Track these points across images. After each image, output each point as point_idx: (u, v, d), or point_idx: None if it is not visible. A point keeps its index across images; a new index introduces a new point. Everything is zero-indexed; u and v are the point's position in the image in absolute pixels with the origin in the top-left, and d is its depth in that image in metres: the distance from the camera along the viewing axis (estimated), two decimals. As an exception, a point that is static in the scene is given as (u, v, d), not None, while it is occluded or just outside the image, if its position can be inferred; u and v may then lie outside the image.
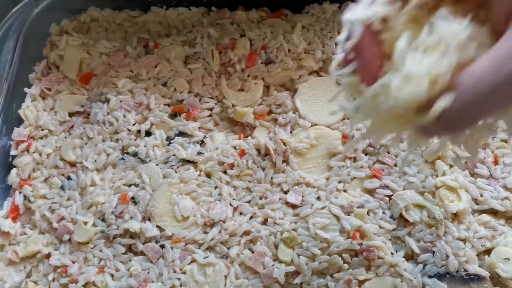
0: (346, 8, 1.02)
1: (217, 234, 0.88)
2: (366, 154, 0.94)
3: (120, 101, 1.01)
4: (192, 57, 1.06)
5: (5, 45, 1.02)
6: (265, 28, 1.08)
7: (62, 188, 0.95)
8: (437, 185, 0.88)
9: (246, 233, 0.88)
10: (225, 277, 0.85)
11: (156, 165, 0.95)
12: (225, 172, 0.93)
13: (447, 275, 0.81)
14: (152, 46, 1.08)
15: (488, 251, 0.84)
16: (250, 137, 0.97)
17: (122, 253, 0.88)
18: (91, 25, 1.12)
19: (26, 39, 1.05)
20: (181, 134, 0.98)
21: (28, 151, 0.99)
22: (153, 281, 0.86)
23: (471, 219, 0.86)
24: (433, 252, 0.83)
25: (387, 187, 0.89)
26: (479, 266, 0.82)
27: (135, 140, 0.98)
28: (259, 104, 1.01)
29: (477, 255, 0.83)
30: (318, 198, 0.89)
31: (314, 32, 1.07)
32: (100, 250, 0.89)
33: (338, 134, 0.96)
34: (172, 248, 0.87)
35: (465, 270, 0.82)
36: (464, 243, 0.84)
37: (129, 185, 0.93)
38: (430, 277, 0.82)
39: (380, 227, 0.86)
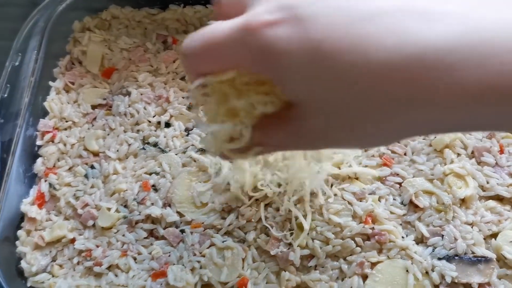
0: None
1: (234, 220, 0.91)
2: (377, 144, 0.98)
3: (141, 94, 1.05)
4: (210, 53, 1.10)
5: (31, 42, 1.07)
6: (279, 25, 1.11)
7: (86, 176, 1.00)
8: (446, 173, 0.91)
9: (261, 220, 0.92)
10: (243, 260, 0.89)
11: (176, 154, 0.99)
12: (241, 161, 0.97)
13: (456, 257, 0.85)
14: (170, 42, 1.13)
15: (494, 235, 0.88)
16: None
17: (144, 238, 0.92)
18: (112, 22, 1.17)
19: (50, 36, 1.10)
20: (199, 125, 1.03)
21: (53, 141, 1.04)
22: (174, 264, 0.90)
23: (478, 205, 0.90)
24: (442, 236, 0.87)
25: (397, 174, 0.93)
26: (486, 249, 0.86)
27: (155, 131, 1.02)
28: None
29: (484, 238, 0.87)
30: (331, 185, 0.93)
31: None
32: (123, 235, 0.92)
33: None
34: (191, 232, 0.91)
35: (473, 253, 0.85)
36: (472, 227, 0.87)
37: (150, 174, 0.97)
38: (439, 259, 0.85)
39: (391, 212, 0.90)
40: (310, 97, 0.46)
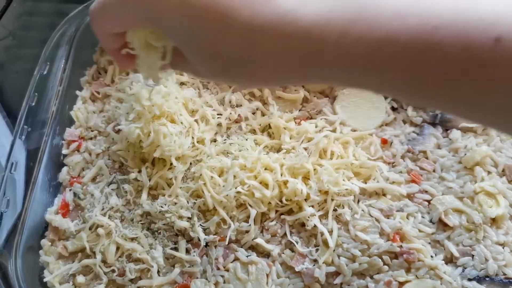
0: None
1: (258, 234, 0.90)
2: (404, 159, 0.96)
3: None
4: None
5: (59, 51, 1.08)
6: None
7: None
8: (476, 191, 0.89)
9: (286, 234, 0.90)
10: (267, 275, 0.88)
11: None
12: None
13: (487, 278, 0.83)
14: (197, 53, 1.12)
15: (526, 256, 0.86)
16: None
17: (170, 248, 0.91)
18: (139, 32, 1.17)
19: (78, 45, 1.10)
20: (224, 138, 1.02)
21: (78, 150, 1.04)
22: (197, 277, 0.89)
23: (510, 224, 0.88)
24: (472, 256, 0.85)
25: (426, 191, 0.92)
26: (518, 271, 0.84)
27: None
28: (299, 110, 1.05)
29: (516, 259, 0.85)
30: (358, 201, 0.91)
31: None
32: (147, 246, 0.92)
33: (378, 140, 0.98)
34: (215, 246, 0.90)
35: (504, 274, 0.83)
36: (503, 248, 0.85)
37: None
38: (469, 280, 0.83)
39: (420, 230, 0.88)
40: (185, 42, 0.55)
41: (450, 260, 0.86)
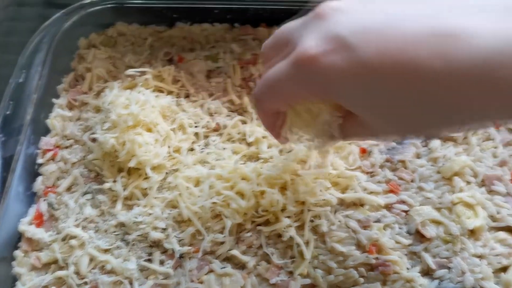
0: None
1: (234, 245, 0.89)
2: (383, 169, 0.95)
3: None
4: (215, 71, 1.09)
5: (36, 58, 1.06)
6: (286, 44, 1.10)
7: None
8: (454, 202, 0.88)
9: (262, 246, 0.89)
10: (242, 287, 0.86)
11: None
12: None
13: (463, 292, 0.81)
14: (176, 60, 1.11)
15: (504, 269, 0.84)
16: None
17: (143, 260, 0.90)
18: (118, 39, 1.16)
19: (56, 52, 1.09)
20: (202, 146, 1.01)
21: (54, 159, 1.02)
22: (171, 290, 0.87)
23: (488, 236, 0.86)
24: (449, 268, 0.83)
25: (404, 202, 0.90)
26: (495, 283, 0.82)
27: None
28: (279, 119, 1.03)
29: (493, 272, 0.83)
30: (335, 212, 0.90)
31: (333, 48, 1.08)
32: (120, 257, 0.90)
33: (356, 149, 0.97)
34: (190, 258, 0.89)
35: (481, 287, 0.82)
36: (481, 260, 0.84)
37: (150, 195, 0.96)
38: (445, 293, 0.82)
39: (397, 242, 0.86)
40: (369, 107, 0.55)
41: (427, 272, 0.84)
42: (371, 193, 0.92)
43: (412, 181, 0.93)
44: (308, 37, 0.54)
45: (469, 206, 0.88)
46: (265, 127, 0.75)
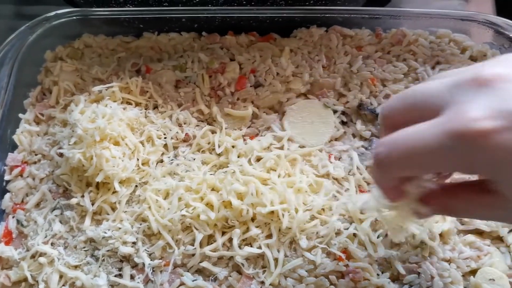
0: (333, 32, 1.06)
1: (205, 257, 0.88)
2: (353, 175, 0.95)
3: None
4: (183, 81, 1.09)
5: (1, 72, 1.05)
6: (254, 52, 1.10)
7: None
8: (422, 206, 0.88)
9: (234, 256, 0.88)
10: (213, 299, 0.86)
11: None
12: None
13: (432, 296, 0.82)
14: (144, 71, 1.10)
15: (473, 272, 0.85)
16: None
17: (114, 276, 0.89)
18: (85, 51, 1.15)
19: (21, 66, 1.07)
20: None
21: (22, 175, 1.01)
22: (142, 304, 0.87)
23: (456, 240, 0.87)
24: (418, 273, 0.84)
25: (373, 208, 0.90)
26: (465, 287, 0.83)
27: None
28: (249, 127, 1.03)
29: (463, 275, 0.84)
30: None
31: (302, 55, 1.09)
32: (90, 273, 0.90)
33: (326, 156, 0.97)
34: (161, 271, 0.88)
35: (451, 291, 0.82)
36: (449, 264, 0.84)
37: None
38: (415, 298, 0.82)
39: (366, 248, 0.86)
40: None
41: (396, 277, 0.85)
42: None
43: (380, 186, 0.93)
44: (471, 106, 0.48)
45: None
46: (380, 187, 0.66)
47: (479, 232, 0.88)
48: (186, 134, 1.01)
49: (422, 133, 0.51)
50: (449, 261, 0.85)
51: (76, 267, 0.90)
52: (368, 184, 0.93)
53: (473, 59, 1.07)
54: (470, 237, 0.87)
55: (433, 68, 1.06)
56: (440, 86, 0.53)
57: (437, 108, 0.52)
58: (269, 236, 0.88)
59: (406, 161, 0.54)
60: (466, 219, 0.88)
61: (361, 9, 1.10)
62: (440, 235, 0.86)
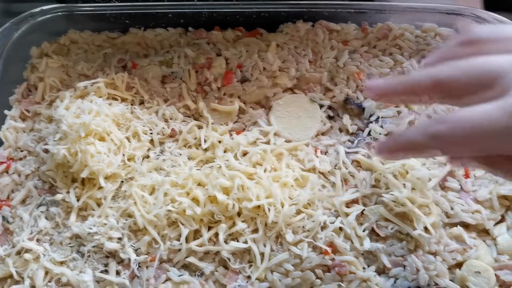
0: (319, 26, 1.05)
1: (191, 252, 0.88)
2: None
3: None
4: (169, 76, 1.08)
5: (-14, 69, 1.05)
6: (240, 47, 1.10)
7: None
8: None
9: (220, 251, 0.88)
10: (199, 295, 0.86)
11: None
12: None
13: (418, 289, 0.82)
14: (130, 67, 1.10)
15: (459, 265, 0.85)
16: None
17: (100, 272, 0.88)
18: (71, 47, 1.14)
19: (6, 62, 1.07)
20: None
21: (7, 172, 1.00)
22: (128, 301, 0.86)
23: (442, 233, 0.87)
24: (404, 266, 0.84)
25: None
26: (450, 280, 0.83)
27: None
28: (235, 122, 1.03)
29: (448, 268, 0.84)
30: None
31: (288, 50, 1.09)
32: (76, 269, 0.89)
33: (312, 150, 0.97)
34: (147, 267, 0.88)
35: (436, 284, 0.82)
36: (435, 257, 0.84)
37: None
38: (401, 291, 0.82)
39: (352, 242, 0.87)
40: None
41: (382, 271, 0.85)
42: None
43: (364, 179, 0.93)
44: None
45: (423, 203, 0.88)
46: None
47: (465, 225, 0.88)
48: (172, 129, 1.01)
49: (489, 114, 0.50)
50: (434, 254, 0.85)
51: (61, 263, 0.90)
52: (353, 178, 0.93)
53: (459, 53, 1.07)
54: (456, 230, 0.87)
55: (418, 62, 1.06)
56: (505, 63, 0.52)
57: (502, 87, 0.51)
58: (255, 230, 0.88)
59: (469, 141, 0.52)
60: (452, 213, 0.88)
61: (347, 4, 1.10)
62: (426, 228, 0.85)
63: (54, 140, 0.95)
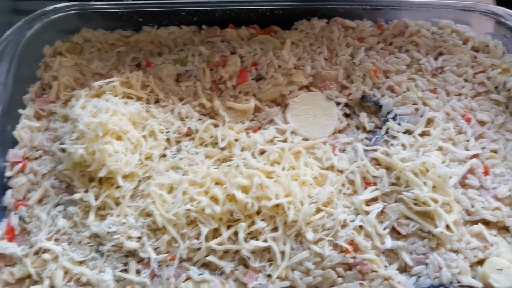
0: (334, 23, 1.05)
1: (211, 251, 0.88)
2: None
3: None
4: (184, 75, 1.08)
5: (0, 67, 1.04)
6: (255, 45, 1.10)
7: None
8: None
9: (239, 250, 0.88)
10: (220, 293, 0.86)
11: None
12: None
13: (441, 287, 0.81)
14: (144, 65, 1.09)
15: (480, 262, 0.85)
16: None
17: (120, 271, 0.88)
18: (84, 45, 1.14)
19: (20, 61, 1.07)
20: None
21: (23, 171, 1.00)
22: (148, 299, 0.86)
23: (463, 230, 0.87)
24: (426, 264, 0.84)
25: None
26: (472, 277, 0.83)
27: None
28: (251, 120, 1.03)
29: (470, 266, 0.84)
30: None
31: (303, 48, 1.08)
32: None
33: (329, 148, 0.97)
34: (167, 266, 0.88)
35: (459, 282, 0.82)
36: (457, 255, 0.84)
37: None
38: (423, 289, 0.82)
39: (373, 240, 0.86)
40: None
41: (404, 269, 0.85)
42: (343, 192, 0.92)
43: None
44: None
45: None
46: None
47: (485, 223, 0.88)
48: (189, 128, 1.00)
49: None
50: (456, 251, 0.85)
51: (81, 262, 0.90)
52: (372, 176, 0.93)
53: (475, 49, 1.07)
54: (477, 228, 0.87)
55: (435, 58, 1.06)
56: None
57: None
58: (275, 229, 0.88)
59: None
60: (472, 210, 0.88)
61: (363, 0, 1.10)
62: (447, 225, 0.85)
63: (71, 140, 0.94)
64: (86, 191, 0.94)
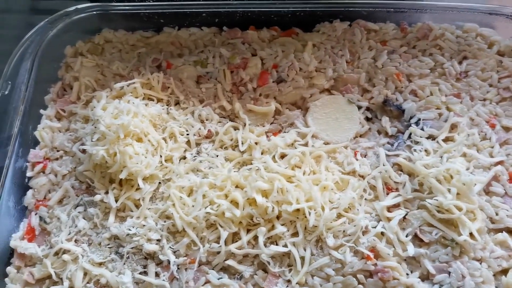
0: (357, 26, 1.04)
1: (230, 254, 0.87)
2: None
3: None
4: (204, 77, 1.08)
5: (21, 68, 1.04)
6: (276, 47, 1.09)
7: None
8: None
9: (259, 254, 0.87)
10: (239, 298, 0.85)
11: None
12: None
13: (463, 296, 0.80)
14: (164, 67, 1.09)
15: (504, 271, 0.83)
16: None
17: (139, 273, 0.88)
18: (105, 46, 1.14)
19: (41, 61, 1.07)
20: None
21: (44, 172, 1.00)
22: (167, 303, 0.86)
23: (487, 239, 0.85)
24: (449, 273, 0.82)
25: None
26: (496, 287, 0.81)
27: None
28: (272, 123, 1.02)
29: (494, 275, 0.83)
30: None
31: (325, 50, 1.08)
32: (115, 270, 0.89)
33: (351, 153, 0.96)
34: (186, 269, 0.87)
35: (482, 291, 0.81)
36: (480, 263, 0.83)
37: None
38: (446, 298, 0.81)
39: (394, 247, 0.85)
40: None
41: (426, 277, 0.84)
42: (364, 198, 0.91)
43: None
44: None
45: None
46: None
47: (510, 231, 0.87)
48: (209, 130, 1.00)
49: None
50: (480, 260, 0.83)
51: (100, 264, 0.90)
52: (395, 182, 0.92)
53: (501, 54, 1.05)
54: (501, 236, 0.85)
55: (460, 63, 1.04)
56: None
57: None
58: (295, 234, 0.87)
59: None
60: (496, 218, 0.87)
61: (386, 3, 1.09)
62: (471, 233, 0.84)
63: (92, 141, 0.94)
64: (107, 192, 0.94)
